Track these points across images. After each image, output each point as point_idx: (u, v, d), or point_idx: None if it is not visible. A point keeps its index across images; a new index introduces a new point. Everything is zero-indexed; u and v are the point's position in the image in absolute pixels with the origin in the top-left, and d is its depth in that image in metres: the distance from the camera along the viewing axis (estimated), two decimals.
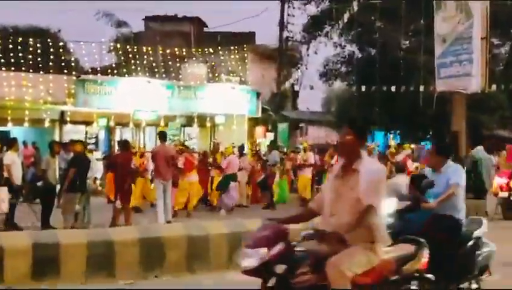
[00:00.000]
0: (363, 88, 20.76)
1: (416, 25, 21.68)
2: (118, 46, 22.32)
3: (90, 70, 21.58)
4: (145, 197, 14.25)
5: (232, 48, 22.56)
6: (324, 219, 4.05)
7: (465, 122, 12.98)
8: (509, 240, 9.27)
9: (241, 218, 10.21)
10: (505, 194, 12.92)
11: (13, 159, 10.62)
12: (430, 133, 24.93)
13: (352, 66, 25.80)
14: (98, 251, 6.80)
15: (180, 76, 21.19)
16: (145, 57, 21.09)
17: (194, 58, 22.38)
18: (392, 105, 22.01)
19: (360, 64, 24.09)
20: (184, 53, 21.98)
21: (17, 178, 10.70)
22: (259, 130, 22.54)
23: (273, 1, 39.19)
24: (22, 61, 17.83)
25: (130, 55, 20.71)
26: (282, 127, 24.34)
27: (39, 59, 18.40)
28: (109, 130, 19.59)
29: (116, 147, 17.42)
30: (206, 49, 22.11)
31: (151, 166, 13.41)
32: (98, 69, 21.17)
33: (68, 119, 18.04)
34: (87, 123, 18.79)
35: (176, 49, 21.52)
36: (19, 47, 18.37)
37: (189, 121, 20.35)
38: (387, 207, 5.65)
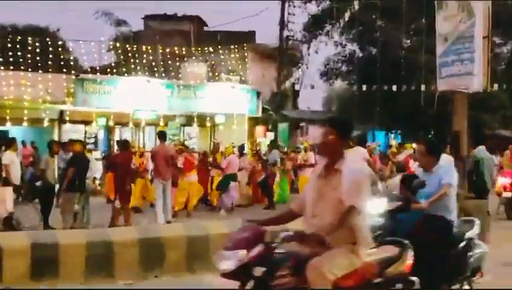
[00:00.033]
0: (364, 87, 20.72)
1: (417, 23, 21.65)
2: (117, 45, 22.34)
3: (89, 69, 21.54)
4: (145, 198, 14.19)
5: (232, 47, 22.52)
6: (306, 220, 3.96)
7: (467, 121, 12.88)
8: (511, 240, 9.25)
9: (241, 218, 10.13)
10: (508, 194, 12.92)
11: (12, 159, 10.56)
12: (432, 132, 24.89)
13: (353, 65, 25.76)
14: (97, 251, 6.78)
15: (180, 75, 21.18)
16: (145, 56, 21.04)
17: (193, 58, 22.33)
18: (393, 104, 21.99)
19: (361, 64, 24.07)
20: (184, 52, 21.93)
21: (16, 178, 10.67)
22: (260, 129, 22.47)
23: (274, 0, 39.04)
24: (21, 60, 17.85)
25: (130, 54, 20.67)
26: (283, 126, 24.29)
27: (38, 58, 18.37)
28: (108, 130, 19.54)
29: (116, 147, 17.36)
30: (206, 48, 22.07)
31: (150, 166, 13.36)
32: (97, 68, 21.11)
33: (67, 118, 17.97)
34: (87, 123, 18.72)
35: (176, 48, 21.49)
36: (18, 46, 18.33)
37: (189, 120, 20.30)
38: (378, 207, 5.61)
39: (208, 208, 14.47)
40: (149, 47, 20.94)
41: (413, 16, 20.61)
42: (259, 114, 21.01)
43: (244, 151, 16.45)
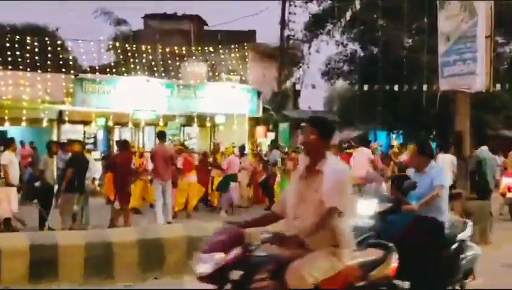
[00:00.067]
0: (366, 87, 20.63)
1: (419, 23, 21.54)
2: (117, 44, 22.38)
3: (88, 69, 21.48)
4: (145, 198, 14.09)
5: (232, 46, 22.52)
6: (288, 222, 3.88)
7: (469, 121, 12.82)
8: None
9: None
10: None
11: (10, 159, 10.54)
12: (434, 133, 24.80)
13: (354, 65, 25.63)
14: (96, 252, 6.76)
15: (180, 75, 21.14)
16: (144, 55, 21.03)
17: (193, 57, 22.29)
18: (395, 104, 21.89)
19: (363, 63, 23.96)
20: (184, 52, 21.92)
21: (15, 178, 10.62)
22: (260, 129, 22.40)
23: (274, 0, 38.97)
24: (20, 60, 17.86)
25: (129, 54, 20.69)
26: (283, 126, 24.21)
27: (37, 58, 18.38)
28: (108, 130, 19.54)
29: (115, 147, 17.27)
30: (206, 48, 22.05)
31: (150, 166, 13.26)
32: (97, 67, 21.04)
33: (66, 118, 17.96)
34: (86, 123, 18.71)
35: (176, 47, 21.48)
36: (17, 46, 18.32)
37: (188, 120, 20.27)
38: (368, 209, 5.52)
39: (208, 209, 14.38)
40: (149, 46, 20.92)
41: (415, 15, 20.50)
42: (260, 114, 20.94)
43: (245, 152, 16.37)
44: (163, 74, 21.24)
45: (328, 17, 24.58)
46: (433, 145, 23.82)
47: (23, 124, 17.12)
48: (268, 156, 16.91)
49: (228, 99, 18.98)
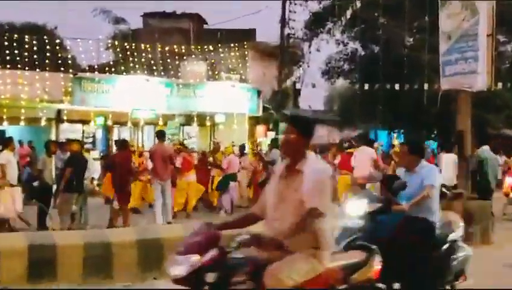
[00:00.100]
0: (366, 86, 20.54)
1: (420, 21, 21.44)
2: (116, 43, 22.36)
3: (87, 68, 21.38)
4: (144, 198, 14.02)
5: (232, 45, 22.51)
6: (267, 223, 3.79)
7: (471, 121, 12.78)
8: None
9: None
10: None
11: (9, 159, 10.49)
12: (435, 132, 24.72)
13: (355, 64, 25.52)
14: (95, 252, 6.76)
15: (179, 74, 21.17)
16: (144, 54, 21.02)
17: (193, 56, 22.29)
18: (396, 103, 21.80)
19: (363, 62, 23.84)
20: (183, 50, 21.90)
21: (13, 178, 10.54)
22: (260, 129, 22.34)
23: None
24: (18, 58, 17.85)
25: (128, 53, 20.71)
26: (284, 126, 24.06)
27: (35, 56, 18.37)
28: (107, 129, 19.49)
29: (114, 147, 17.23)
30: (205, 47, 22.04)
31: (150, 165, 13.20)
32: (96, 66, 21.00)
33: (65, 117, 17.95)
34: (84, 122, 18.66)
35: (175, 46, 21.50)
36: (15, 44, 18.29)
37: (188, 120, 20.25)
38: (358, 209, 5.46)
39: (207, 209, 14.30)
40: (148, 45, 20.92)
41: (416, 13, 20.41)
42: (260, 113, 20.90)
43: (245, 151, 16.30)
44: (162, 73, 21.19)
45: (328, 15, 24.46)
46: (435, 144, 23.92)
47: (22, 123, 17.13)
48: (269, 156, 16.81)
49: (228, 99, 18.96)
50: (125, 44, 20.92)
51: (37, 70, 16.99)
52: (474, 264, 6.87)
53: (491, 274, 6.33)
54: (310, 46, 26.36)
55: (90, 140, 19.16)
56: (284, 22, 23.85)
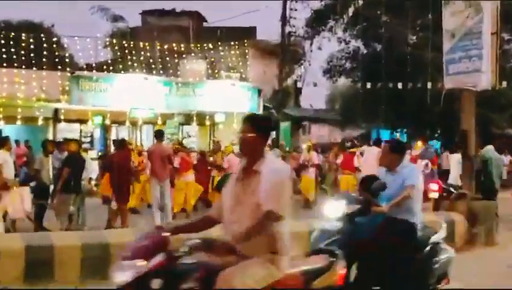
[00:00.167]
0: (369, 85, 20.36)
1: (423, 19, 21.28)
2: (114, 41, 22.29)
3: (85, 66, 21.40)
4: (143, 199, 13.88)
5: (232, 43, 22.43)
6: (225, 226, 3.66)
7: (475, 120, 12.68)
8: None
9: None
10: None
11: (5, 159, 10.27)
12: (438, 131, 24.59)
13: (357, 62, 25.44)
14: (93, 253, 6.72)
15: (179, 72, 21.06)
16: (142, 52, 20.95)
17: (192, 54, 22.20)
18: (399, 102, 21.72)
19: (366, 60, 23.77)
20: (182, 49, 21.88)
21: (9, 178, 10.34)
22: None
23: None
24: (15, 57, 17.83)
25: (127, 51, 20.75)
26: (285, 125, 24.02)
27: (32, 55, 18.35)
28: (105, 129, 19.37)
29: (112, 146, 17.11)
30: (205, 45, 22.05)
31: (149, 165, 13.07)
32: (93, 65, 20.95)
33: (62, 117, 17.78)
34: (82, 121, 18.51)
35: (174, 44, 21.48)
36: (11, 42, 18.25)
37: (187, 119, 20.16)
38: (336, 210, 5.26)
39: (207, 209, 14.13)
40: (147, 43, 20.82)
41: (419, 11, 20.30)
42: (261, 112, 20.69)
43: None
44: (161, 72, 21.11)
45: (330, 13, 24.38)
46: (438, 144, 23.74)
47: (18, 122, 17.05)
48: None
49: (228, 97, 18.82)
50: (124, 42, 20.94)
51: (34, 68, 16.94)
52: (478, 265, 6.73)
53: (495, 275, 6.27)
54: (311, 44, 26.28)
55: (88, 139, 19.03)
56: (284, 20, 23.72)
